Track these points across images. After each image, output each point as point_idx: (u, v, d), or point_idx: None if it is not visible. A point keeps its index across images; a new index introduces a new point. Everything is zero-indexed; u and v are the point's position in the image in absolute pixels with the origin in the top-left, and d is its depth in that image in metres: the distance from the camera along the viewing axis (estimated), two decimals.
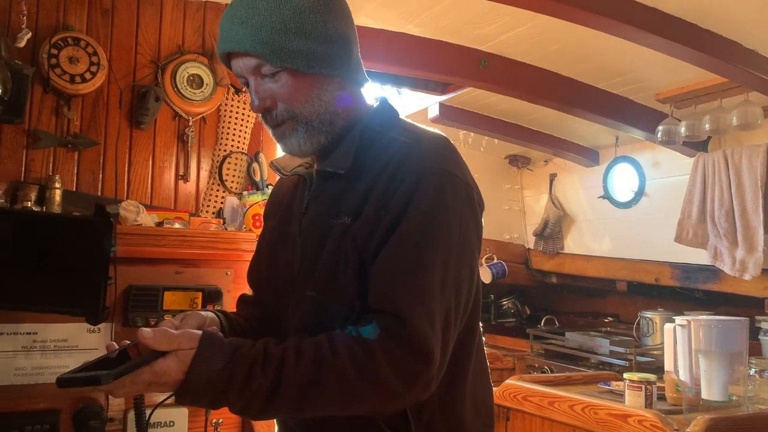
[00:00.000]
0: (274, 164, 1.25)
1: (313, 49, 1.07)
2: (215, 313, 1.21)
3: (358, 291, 1.05)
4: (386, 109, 1.20)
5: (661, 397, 2.29)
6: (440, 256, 1.02)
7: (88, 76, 2.06)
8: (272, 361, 0.96)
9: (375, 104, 1.21)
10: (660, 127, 3.01)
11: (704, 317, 2.28)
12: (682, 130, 2.94)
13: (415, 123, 1.20)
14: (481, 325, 1.26)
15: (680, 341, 2.24)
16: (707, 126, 2.82)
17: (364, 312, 1.03)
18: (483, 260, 4.25)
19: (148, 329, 0.97)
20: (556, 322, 4.19)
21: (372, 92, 1.23)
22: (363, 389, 0.97)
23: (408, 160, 1.06)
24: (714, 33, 2.38)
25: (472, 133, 3.94)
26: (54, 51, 2.02)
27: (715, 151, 3.20)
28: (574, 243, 4.28)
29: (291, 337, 1.08)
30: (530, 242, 4.55)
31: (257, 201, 2.19)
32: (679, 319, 2.26)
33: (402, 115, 1.22)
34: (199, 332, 0.98)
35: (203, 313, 1.17)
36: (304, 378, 0.96)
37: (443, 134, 1.17)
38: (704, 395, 2.19)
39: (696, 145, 3.25)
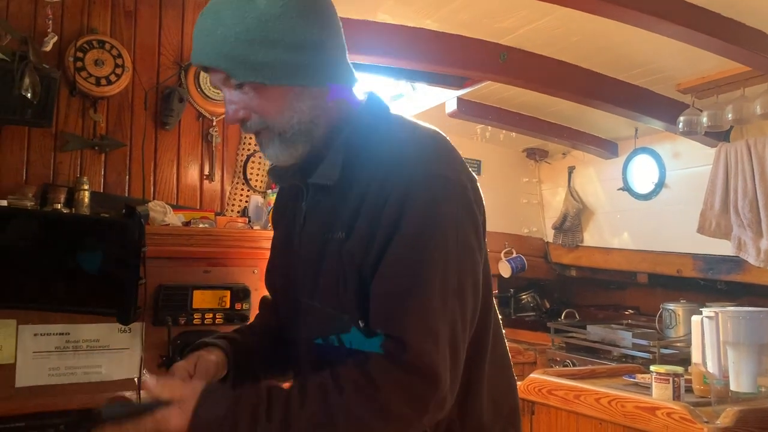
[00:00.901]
0: (272, 173, 1.22)
1: (280, 59, 1.02)
2: (223, 348, 1.19)
3: (361, 307, 1.03)
4: (374, 109, 1.14)
5: (688, 390, 2.28)
6: (438, 270, 0.99)
7: (113, 78, 2.08)
8: (277, 406, 0.94)
9: (363, 101, 1.15)
10: (681, 118, 2.99)
11: (732, 309, 2.26)
12: (704, 120, 2.91)
13: (406, 118, 1.16)
14: (501, 318, 1.25)
15: (708, 333, 2.23)
16: (730, 116, 2.80)
17: (368, 329, 1.01)
18: (502, 254, 4.25)
19: (153, 379, 0.99)
20: (577, 315, 4.18)
21: (361, 87, 1.16)
22: (375, 424, 0.95)
23: (396, 168, 1.02)
24: (737, 21, 2.36)
25: (489, 127, 3.93)
26: (79, 54, 2.03)
27: (738, 140, 3.17)
28: (593, 236, 4.26)
29: (303, 347, 1.11)
30: (549, 236, 4.54)
31: None
32: (707, 311, 2.24)
33: (393, 110, 1.16)
34: (202, 382, 0.99)
35: (213, 357, 1.16)
36: (312, 421, 0.93)
37: (435, 130, 1.13)
38: (733, 387, 2.18)
39: (717, 135, 3.22)
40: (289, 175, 1.17)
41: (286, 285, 1.21)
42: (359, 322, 1.03)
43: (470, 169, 1.14)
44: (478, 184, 1.13)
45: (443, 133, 1.14)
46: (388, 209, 1.00)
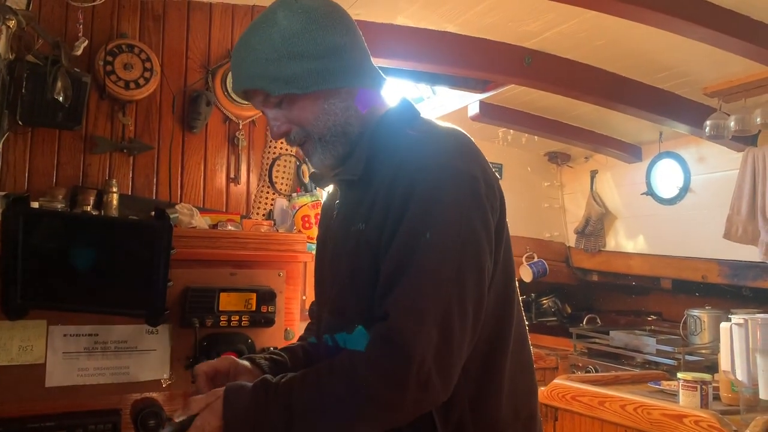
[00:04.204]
0: (313, 177, 1.31)
1: (307, 69, 1.10)
2: (256, 363, 1.25)
3: (374, 295, 1.06)
4: (403, 110, 1.20)
5: (715, 398, 2.25)
6: (436, 254, 1.01)
7: (141, 81, 2.10)
8: (284, 389, 1.02)
9: (394, 105, 1.21)
10: (708, 122, 2.95)
11: (762, 315, 2.23)
12: (732, 124, 2.88)
13: (434, 121, 1.20)
14: (525, 319, 1.24)
15: (737, 340, 2.19)
16: (758, 120, 2.77)
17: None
18: (524, 259, 4.22)
19: (185, 402, 1.09)
20: (598, 320, 4.14)
21: (396, 93, 1.24)
22: (357, 403, 0.98)
23: (410, 158, 1.07)
24: (766, 24, 2.33)
25: (511, 131, 3.92)
26: (109, 58, 2.06)
27: (766, 144, 3.14)
28: (616, 240, 4.23)
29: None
30: (571, 240, 4.51)
31: (306, 203, 2.22)
32: (736, 318, 2.21)
33: (423, 115, 1.21)
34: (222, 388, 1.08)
35: (241, 361, 1.24)
36: (310, 402, 1.00)
37: (457, 129, 1.17)
38: (762, 395, 2.14)
39: (745, 140, 3.19)
40: (327, 177, 1.25)
41: (321, 278, 1.28)
42: (373, 308, 1.05)
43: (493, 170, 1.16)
44: (498, 183, 1.14)
45: (467, 134, 1.16)
46: (398, 198, 1.04)
